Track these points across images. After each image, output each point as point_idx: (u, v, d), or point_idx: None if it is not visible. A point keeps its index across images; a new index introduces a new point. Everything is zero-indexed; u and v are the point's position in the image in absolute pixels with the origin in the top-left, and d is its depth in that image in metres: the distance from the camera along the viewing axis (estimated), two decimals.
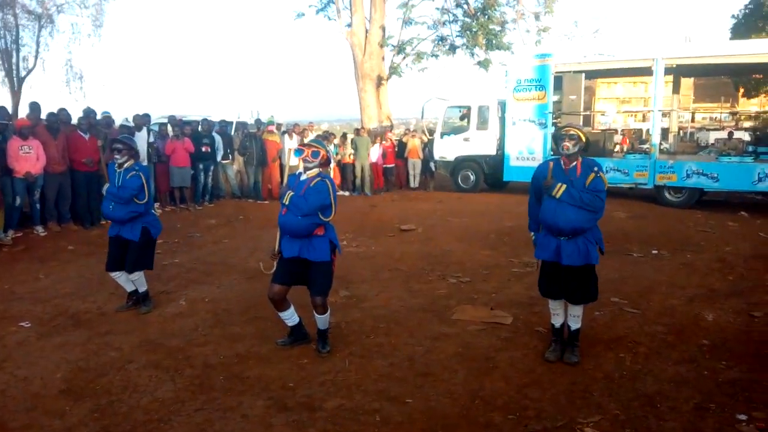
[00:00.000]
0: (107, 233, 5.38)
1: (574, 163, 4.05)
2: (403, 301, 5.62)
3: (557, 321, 4.29)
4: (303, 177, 4.24)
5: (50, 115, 8.78)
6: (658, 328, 4.75)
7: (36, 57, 22.20)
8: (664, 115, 14.07)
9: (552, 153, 12.62)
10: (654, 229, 9.04)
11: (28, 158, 8.08)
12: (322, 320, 4.34)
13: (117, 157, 5.18)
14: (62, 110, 9.06)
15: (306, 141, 4.42)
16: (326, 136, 14.41)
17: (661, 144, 12.76)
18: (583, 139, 4.04)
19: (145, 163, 10.07)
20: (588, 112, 14.45)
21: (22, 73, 22.17)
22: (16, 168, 7.93)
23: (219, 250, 8.17)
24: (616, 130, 18.22)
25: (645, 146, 13.92)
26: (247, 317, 5.15)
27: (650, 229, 9.10)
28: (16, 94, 22.02)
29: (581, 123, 12.29)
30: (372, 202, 12.96)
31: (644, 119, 20.16)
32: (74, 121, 9.49)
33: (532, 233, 4.36)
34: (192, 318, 5.16)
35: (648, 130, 15.41)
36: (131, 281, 5.36)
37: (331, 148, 14.28)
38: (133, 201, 5.13)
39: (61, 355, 4.27)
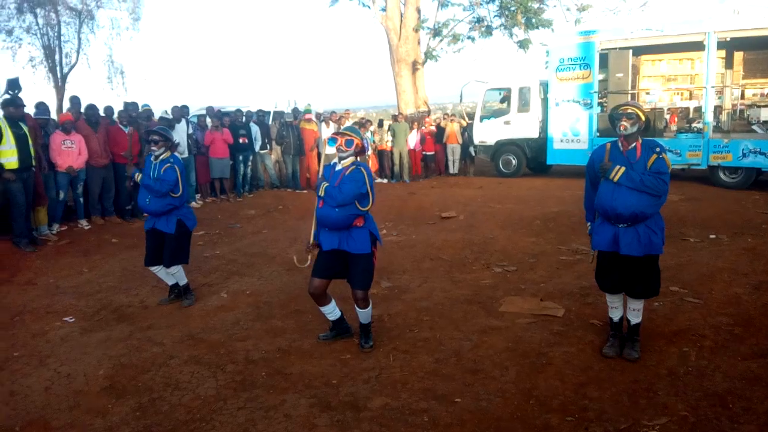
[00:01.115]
0: (143, 227, 5.36)
1: (634, 144, 3.76)
2: (447, 292, 5.43)
3: (615, 315, 4.02)
4: (338, 167, 4.08)
5: (89, 108, 8.84)
6: (723, 320, 4.42)
7: (78, 53, 22.64)
8: (716, 91, 13.36)
9: (598, 134, 12.15)
10: (710, 212, 8.57)
11: (71, 153, 8.16)
12: (364, 314, 4.20)
13: (153, 148, 5.14)
14: (96, 105, 9.13)
15: (340, 129, 4.22)
16: (363, 124, 14.23)
17: (714, 122, 12.13)
18: (643, 118, 3.75)
19: (185, 155, 10.11)
20: (634, 91, 13.81)
21: (65, 69, 22.66)
22: (59, 162, 8.02)
23: (259, 241, 8.12)
24: (663, 109, 17.46)
25: (697, 125, 13.27)
26: (288, 310, 5.05)
27: (706, 212, 8.63)
28: (60, 90, 22.53)
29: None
30: (411, 189, 12.74)
31: (691, 97, 19.26)
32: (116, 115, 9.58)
33: (588, 224, 4.08)
34: (233, 311, 5.09)
35: (696, 108, 14.68)
36: (171, 275, 5.32)
37: (368, 135, 14.11)
38: (169, 194, 5.08)
39: (104, 350, 4.24)
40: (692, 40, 11.44)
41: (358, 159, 4.14)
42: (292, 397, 3.48)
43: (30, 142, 7.05)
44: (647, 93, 19.32)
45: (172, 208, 5.14)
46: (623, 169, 3.68)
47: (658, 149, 3.71)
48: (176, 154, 5.46)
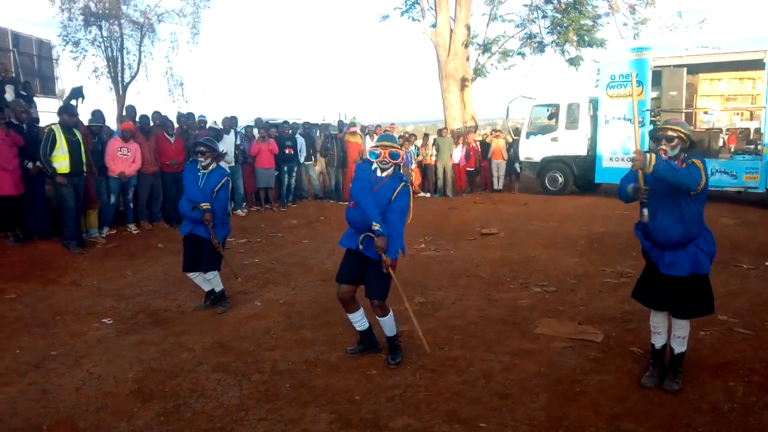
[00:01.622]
0: (179, 232, 5.46)
1: (675, 163, 3.56)
2: (481, 311, 5.29)
3: (658, 341, 3.80)
4: (380, 173, 4.02)
5: (142, 117, 9.15)
6: None
7: (138, 64, 23.59)
8: None
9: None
10: (766, 238, 8.11)
11: (125, 159, 8.45)
12: (386, 324, 4.12)
13: (200, 159, 5.24)
14: (156, 113, 9.44)
15: (378, 141, 4.14)
16: (407, 138, 14.25)
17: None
18: (685, 138, 3.54)
19: (232, 164, 10.33)
20: (690, 110, 13.33)
21: (126, 80, 23.63)
22: (112, 168, 8.31)
23: (298, 251, 8.17)
24: (721, 129, 16.78)
25: (755, 146, 12.66)
26: (318, 322, 5.03)
27: (762, 237, 8.17)
28: (120, 100, 23.49)
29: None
30: (453, 204, 12.62)
31: (752, 117, 18.48)
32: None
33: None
34: (265, 320, 5.11)
35: (757, 129, 14.06)
36: (207, 281, 5.40)
37: (412, 149, 14.10)
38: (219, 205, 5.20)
39: (136, 354, 4.32)
40: (751, 58, 10.97)
41: (398, 170, 4.10)
42: (314, 412, 3.43)
43: (82, 148, 7.33)
44: (705, 112, 18.63)
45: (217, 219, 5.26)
46: (654, 156, 3.39)
47: (693, 159, 3.47)
48: (222, 164, 5.58)
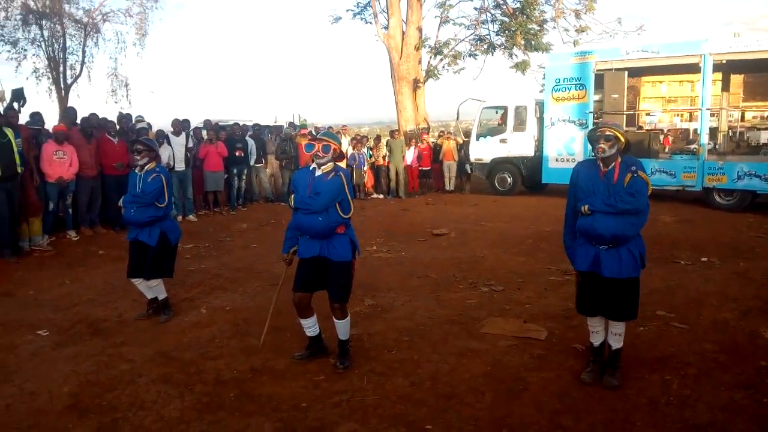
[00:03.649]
0: (127, 237, 5.28)
1: (612, 165, 3.67)
2: (430, 312, 5.32)
3: (596, 339, 3.91)
4: (318, 172, 4.01)
5: (84, 120, 8.83)
6: (708, 347, 4.30)
7: (82, 65, 22.76)
8: (712, 114, 13.34)
9: (593, 154, 12.08)
10: (703, 235, 8.47)
11: (62, 163, 8.13)
12: (342, 327, 4.10)
13: (137, 158, 5.07)
14: (93, 115, 9.12)
15: (318, 135, 4.20)
16: (360, 140, 14.24)
17: (709, 144, 12.07)
18: (622, 139, 3.65)
19: (182, 168, 10.07)
20: (631, 111, 13.80)
21: (69, 81, 22.75)
22: (49, 173, 7.97)
23: (247, 256, 8.03)
24: (662, 130, 17.45)
25: (692, 146, 13.21)
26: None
27: (699, 234, 8.53)
28: (62, 101, 22.61)
29: (624, 122, 11.74)
30: (405, 205, 12.68)
31: (691, 119, 19.31)
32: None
33: (567, 247, 3.97)
34: (210, 328, 4.98)
35: (695, 130, 14.70)
36: (150, 288, 5.24)
37: (365, 150, 14.10)
38: (154, 204, 5.01)
39: (72, 366, 4.14)
40: (688, 62, 11.43)
41: (337, 164, 4.09)
42: (258, 421, 3.37)
43: (15, 150, 7.00)
44: (647, 114, 19.35)
45: (155, 219, 5.07)
46: (586, 207, 3.64)
47: (633, 168, 3.61)
48: (162, 165, 5.42)
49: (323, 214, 3.91)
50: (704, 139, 11.38)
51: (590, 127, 12.20)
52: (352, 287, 4.13)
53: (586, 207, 3.66)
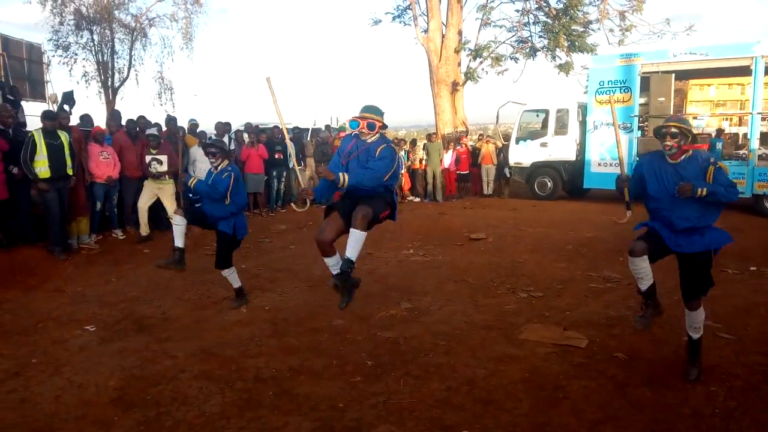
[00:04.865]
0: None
1: (683, 156, 3.68)
2: (468, 317, 5.29)
3: (644, 284, 3.79)
4: (363, 138, 4.14)
5: (129, 122, 9.10)
6: (757, 358, 4.15)
7: (129, 69, 23.47)
8: (763, 118, 12.87)
9: (637, 159, 11.82)
10: (752, 243, 8.16)
11: (108, 163, 8.39)
12: (355, 240, 4.05)
13: (212, 160, 5.42)
14: (141, 117, 9.38)
15: (361, 111, 4.25)
16: (397, 143, 14.24)
17: (760, 150, 11.65)
18: (688, 135, 3.66)
19: None
20: (679, 116, 13.42)
21: (116, 85, 23.50)
22: (96, 173, 8.24)
23: (286, 257, 8.14)
24: (710, 134, 16.93)
25: (742, 152, 12.77)
26: (303, 328, 5.00)
27: (748, 242, 8.21)
28: (110, 104, 23.37)
29: None
30: (442, 209, 12.62)
31: (741, 123, 18.68)
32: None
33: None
34: (250, 327, 5.07)
35: (745, 134, 14.21)
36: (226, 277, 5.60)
37: (402, 154, 14.10)
38: (224, 200, 5.33)
39: (119, 361, 4.27)
40: (739, 64, 11.08)
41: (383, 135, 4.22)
42: (296, 420, 3.41)
43: (66, 152, 7.26)
44: (695, 118, 18.78)
45: (230, 214, 5.41)
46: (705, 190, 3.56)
47: (712, 159, 3.64)
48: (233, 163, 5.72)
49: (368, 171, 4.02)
50: (755, 144, 10.99)
51: (635, 131, 11.96)
52: (381, 212, 4.15)
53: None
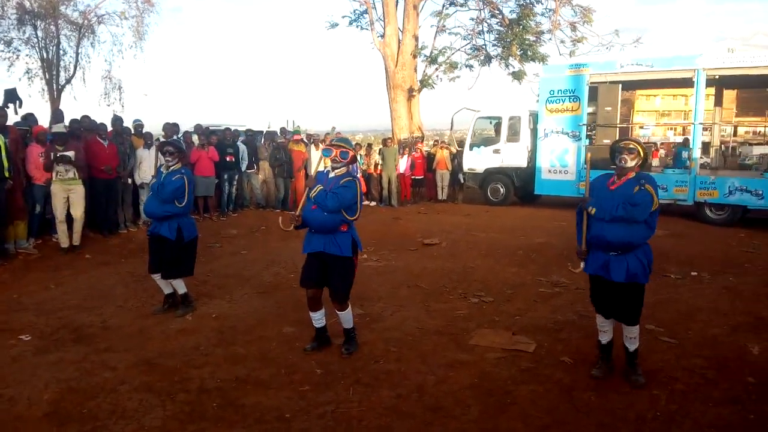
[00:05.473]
0: (147, 232, 5.52)
1: (624, 178, 3.82)
2: (419, 323, 5.28)
3: (604, 338, 4.10)
4: (331, 174, 4.32)
5: (72, 122, 8.74)
6: (697, 362, 4.28)
7: (75, 67, 22.63)
8: (705, 128, 13.43)
9: (584, 166, 12.12)
10: (693, 249, 8.48)
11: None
12: (344, 317, 4.41)
13: (168, 159, 5.29)
14: (85, 117, 9.02)
15: (333, 141, 4.57)
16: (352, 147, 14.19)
17: (701, 159, 12.15)
18: (642, 154, 3.82)
19: None
20: (624, 125, 13.86)
21: (62, 83, 22.61)
22: (35, 175, 7.87)
23: (236, 262, 7.97)
24: (654, 144, 17.55)
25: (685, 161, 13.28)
26: (252, 336, 4.88)
27: (689, 248, 8.54)
28: (54, 103, 22.45)
29: (617, 136, 11.78)
30: (397, 214, 12.65)
31: (684, 132, 19.44)
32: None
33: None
34: (195, 335, 4.91)
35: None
36: (168, 284, 5.43)
37: (358, 158, 14.06)
38: (174, 203, 5.20)
39: (54, 373, 4.06)
40: (682, 76, 11.51)
41: (352, 167, 4.49)
42: None
43: (3, 153, 6.90)
44: (641, 127, 19.44)
45: (172, 215, 5.24)
46: (593, 210, 3.84)
47: (642, 180, 3.77)
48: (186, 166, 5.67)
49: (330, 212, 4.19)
50: (696, 153, 11.44)
51: (583, 139, 12.27)
52: (352, 283, 4.39)
53: (593, 209, 3.84)
